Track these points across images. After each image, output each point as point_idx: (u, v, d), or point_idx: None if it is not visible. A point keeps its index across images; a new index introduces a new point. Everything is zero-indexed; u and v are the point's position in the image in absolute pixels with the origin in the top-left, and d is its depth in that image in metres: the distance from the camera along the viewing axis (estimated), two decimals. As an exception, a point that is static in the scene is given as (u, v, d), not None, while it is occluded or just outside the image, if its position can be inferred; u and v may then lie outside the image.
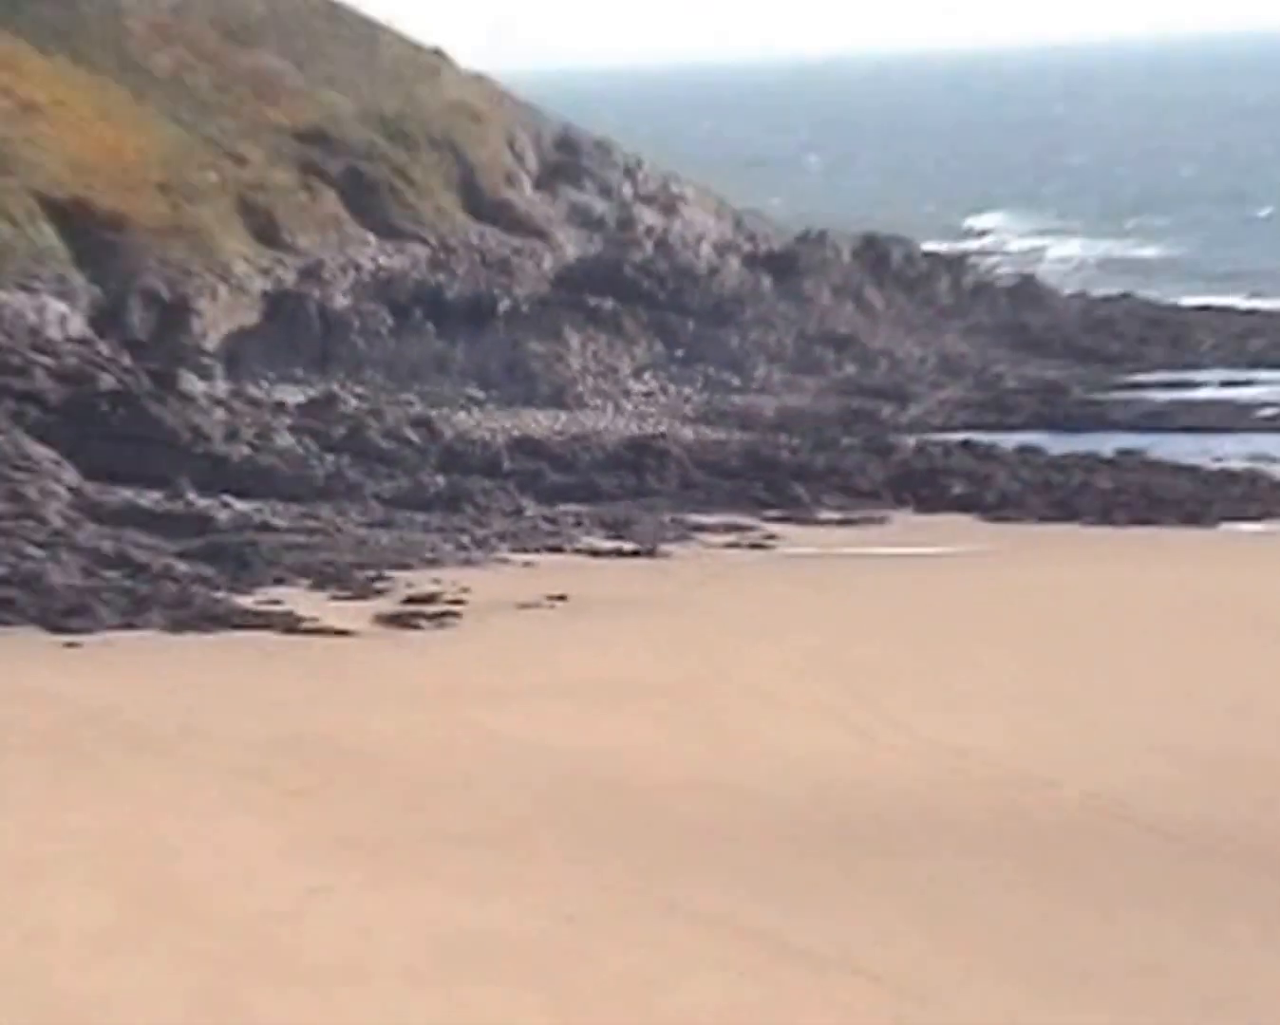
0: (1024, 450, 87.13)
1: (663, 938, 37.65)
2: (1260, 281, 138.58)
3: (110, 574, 67.73)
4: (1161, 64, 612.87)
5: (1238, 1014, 35.29)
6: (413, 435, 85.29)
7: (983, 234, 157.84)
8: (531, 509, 76.98)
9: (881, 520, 77.39)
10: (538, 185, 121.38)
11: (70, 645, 61.52)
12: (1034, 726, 51.85)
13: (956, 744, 49.88)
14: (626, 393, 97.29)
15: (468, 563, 70.33)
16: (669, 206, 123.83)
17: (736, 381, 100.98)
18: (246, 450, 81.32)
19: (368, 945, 37.59)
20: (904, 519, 78.02)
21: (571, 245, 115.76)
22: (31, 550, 69.09)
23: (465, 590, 66.19)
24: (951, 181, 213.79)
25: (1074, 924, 38.83)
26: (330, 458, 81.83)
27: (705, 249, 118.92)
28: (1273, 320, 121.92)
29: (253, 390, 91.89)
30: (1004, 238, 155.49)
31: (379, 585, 67.29)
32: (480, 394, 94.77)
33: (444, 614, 63.90)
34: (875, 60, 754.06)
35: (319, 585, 67.39)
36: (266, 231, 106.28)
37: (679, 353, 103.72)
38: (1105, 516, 76.82)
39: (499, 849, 42.67)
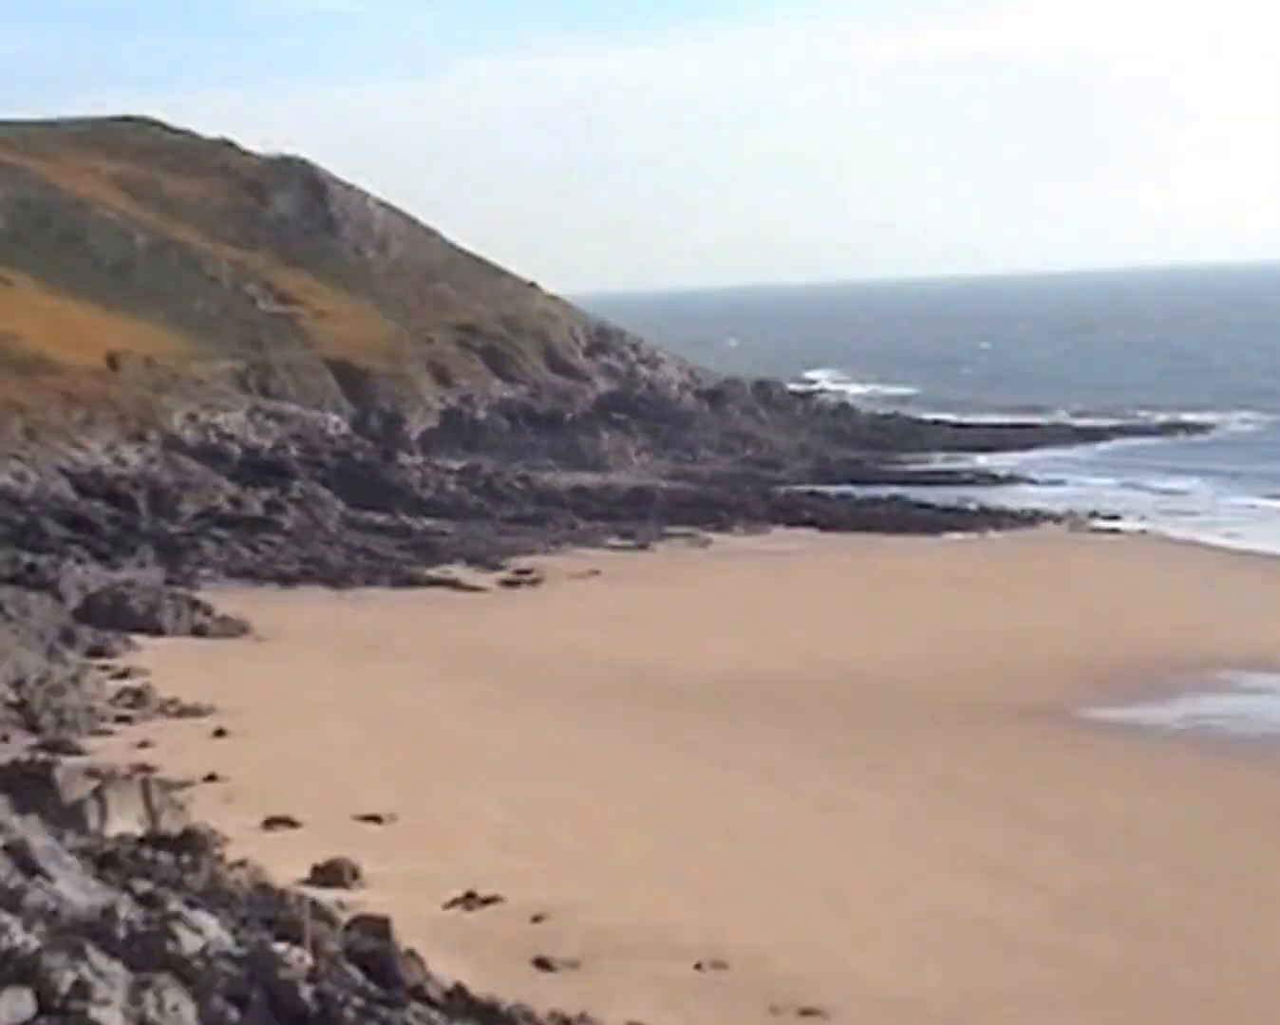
0: (841, 495, 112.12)
1: (668, 759, 51.12)
2: (964, 409, 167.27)
3: (360, 557, 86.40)
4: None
5: (989, 801, 47.28)
6: (518, 485, 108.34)
7: (813, 380, 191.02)
8: (580, 524, 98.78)
9: (765, 532, 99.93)
10: (585, 353, 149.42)
11: (339, 596, 79.68)
12: (848, 639, 68.46)
13: (805, 648, 66.71)
14: (631, 464, 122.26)
15: (546, 553, 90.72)
16: (654, 364, 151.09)
17: (689, 458, 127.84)
18: (430, 493, 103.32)
19: (495, 751, 51.67)
20: (778, 532, 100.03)
21: (602, 385, 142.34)
22: (320, 545, 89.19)
23: (540, 569, 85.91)
24: (798, 351, 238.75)
25: (878, 748, 52.48)
26: (475, 497, 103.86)
27: (673, 388, 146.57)
28: (968, 429, 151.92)
29: (435, 461, 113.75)
30: (826, 382, 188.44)
31: (500, 564, 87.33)
32: (554, 464, 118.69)
33: (535, 580, 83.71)
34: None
35: (469, 564, 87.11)
36: (442, 377, 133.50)
37: (659, 443, 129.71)
38: (884, 530, 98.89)
39: (575, 704, 57.85)
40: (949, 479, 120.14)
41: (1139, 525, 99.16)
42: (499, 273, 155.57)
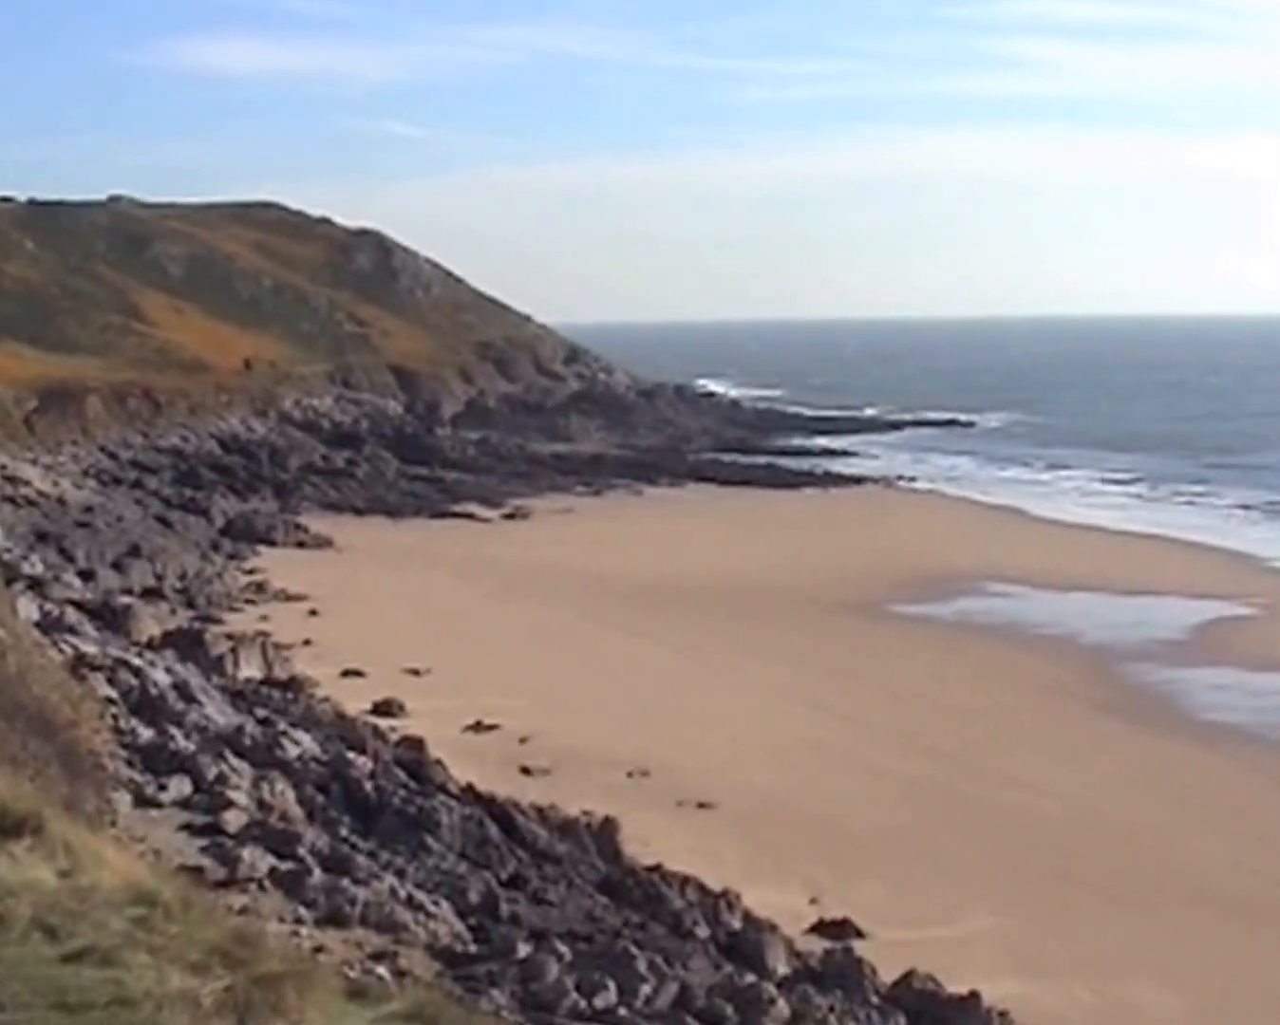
0: (731, 461, 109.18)
1: (616, 636, 51.50)
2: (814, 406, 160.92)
3: (408, 497, 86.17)
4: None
5: (828, 662, 48.38)
6: (515, 451, 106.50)
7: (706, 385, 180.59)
8: (557, 478, 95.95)
9: (682, 486, 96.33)
10: (562, 363, 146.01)
11: (395, 523, 79.21)
12: (735, 557, 67.98)
13: (707, 563, 66.24)
14: (590, 438, 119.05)
15: (533, 497, 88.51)
16: (609, 372, 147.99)
17: (630, 435, 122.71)
18: (456, 455, 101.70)
19: (503, 628, 51.87)
20: (690, 485, 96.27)
21: (573, 385, 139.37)
22: (381, 488, 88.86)
23: (529, 508, 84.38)
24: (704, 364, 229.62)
25: (755, 629, 52.72)
26: (485, 458, 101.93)
27: (621, 388, 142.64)
28: (827, 420, 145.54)
29: (460, 434, 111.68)
30: (717, 386, 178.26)
31: (502, 504, 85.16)
32: (539, 437, 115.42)
33: (525, 515, 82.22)
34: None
35: (481, 503, 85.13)
36: (466, 378, 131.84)
37: (610, 424, 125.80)
38: (762, 485, 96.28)
39: (553, 597, 57.83)
40: (804, 452, 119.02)
41: (928, 486, 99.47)
42: (505, 308, 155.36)
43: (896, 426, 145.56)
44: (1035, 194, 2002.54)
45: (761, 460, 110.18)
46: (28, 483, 74.35)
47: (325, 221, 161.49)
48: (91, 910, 9.72)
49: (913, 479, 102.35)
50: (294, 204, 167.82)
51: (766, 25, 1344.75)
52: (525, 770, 35.33)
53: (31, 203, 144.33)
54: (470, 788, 31.08)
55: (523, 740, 37.49)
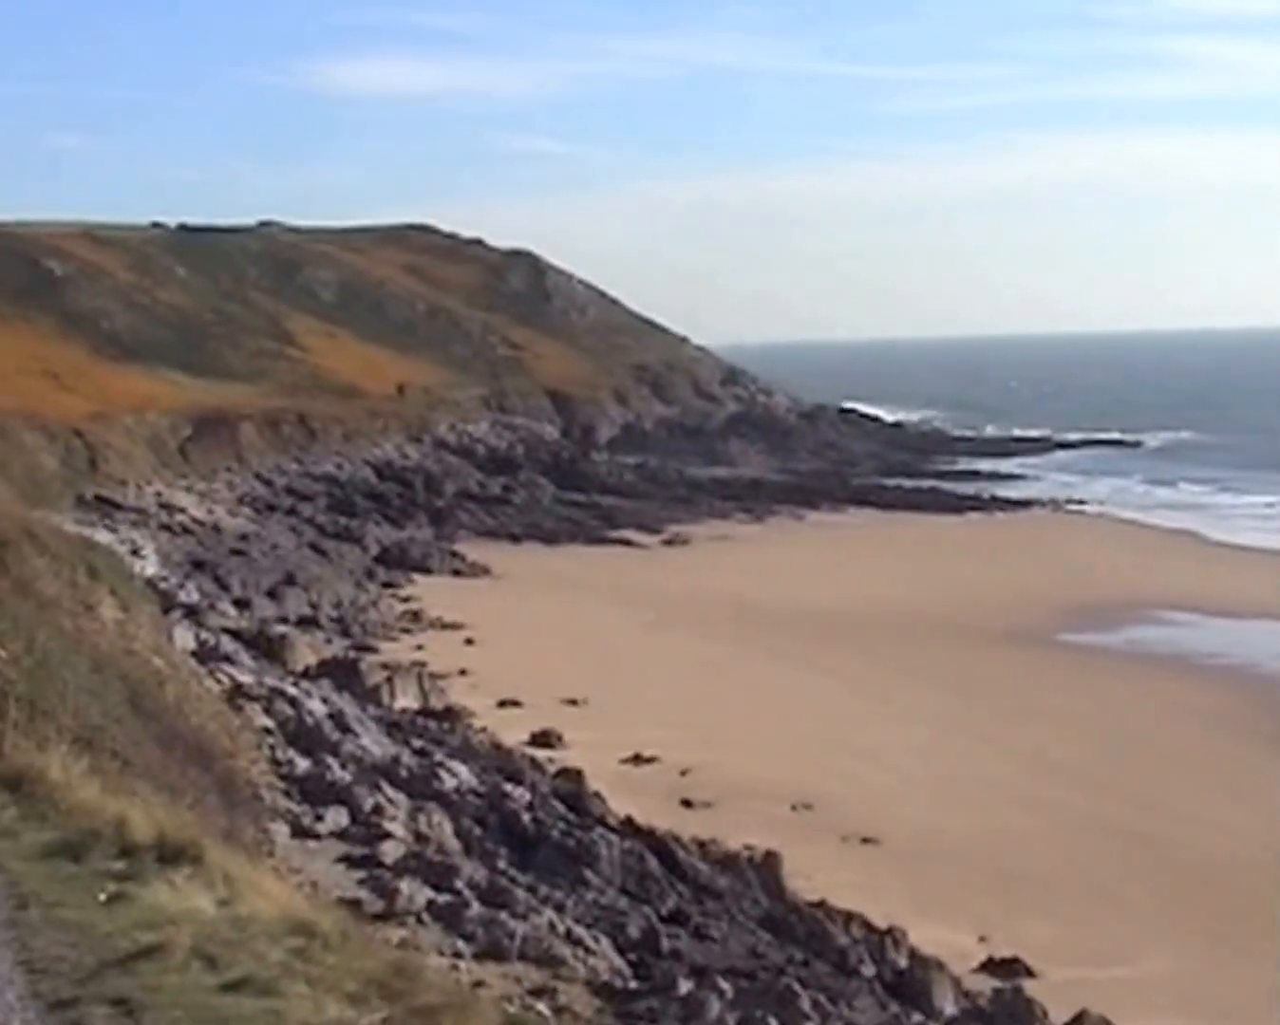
0: (896, 485, 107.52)
1: (773, 665, 51.39)
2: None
3: (564, 523, 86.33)
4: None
5: (991, 694, 48.05)
6: (673, 475, 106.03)
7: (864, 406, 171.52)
8: (715, 503, 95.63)
9: (844, 511, 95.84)
10: (720, 385, 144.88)
11: (552, 550, 79.15)
12: (898, 583, 67.50)
13: (869, 590, 65.65)
14: (750, 462, 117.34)
15: (692, 523, 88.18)
16: (768, 394, 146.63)
17: (790, 458, 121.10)
18: (613, 480, 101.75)
19: (661, 658, 51.98)
20: (851, 510, 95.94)
21: (731, 407, 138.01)
22: (538, 514, 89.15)
23: (687, 534, 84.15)
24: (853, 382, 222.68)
25: (915, 658, 52.28)
26: (643, 483, 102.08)
27: (780, 410, 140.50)
28: (991, 442, 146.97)
29: (616, 458, 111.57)
30: (876, 408, 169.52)
31: (660, 530, 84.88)
32: (697, 461, 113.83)
33: (683, 541, 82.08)
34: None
35: (638, 529, 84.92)
36: (622, 401, 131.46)
37: (770, 447, 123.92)
38: (928, 510, 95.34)
39: (710, 626, 57.84)
40: (969, 474, 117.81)
41: (1096, 509, 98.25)
42: (660, 329, 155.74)
43: (1062, 447, 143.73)
44: (1202, 200, 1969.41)
45: (925, 484, 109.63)
46: (183, 510, 75.57)
47: (478, 243, 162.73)
48: (250, 940, 9.92)
49: (1081, 502, 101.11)
50: (443, 222, 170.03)
51: (922, 31, 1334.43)
52: (686, 803, 35.37)
53: (183, 228, 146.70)
54: (630, 821, 31.16)
55: (683, 772, 37.56)
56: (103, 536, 57.31)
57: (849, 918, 27.47)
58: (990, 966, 26.98)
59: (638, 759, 38.54)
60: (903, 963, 26.32)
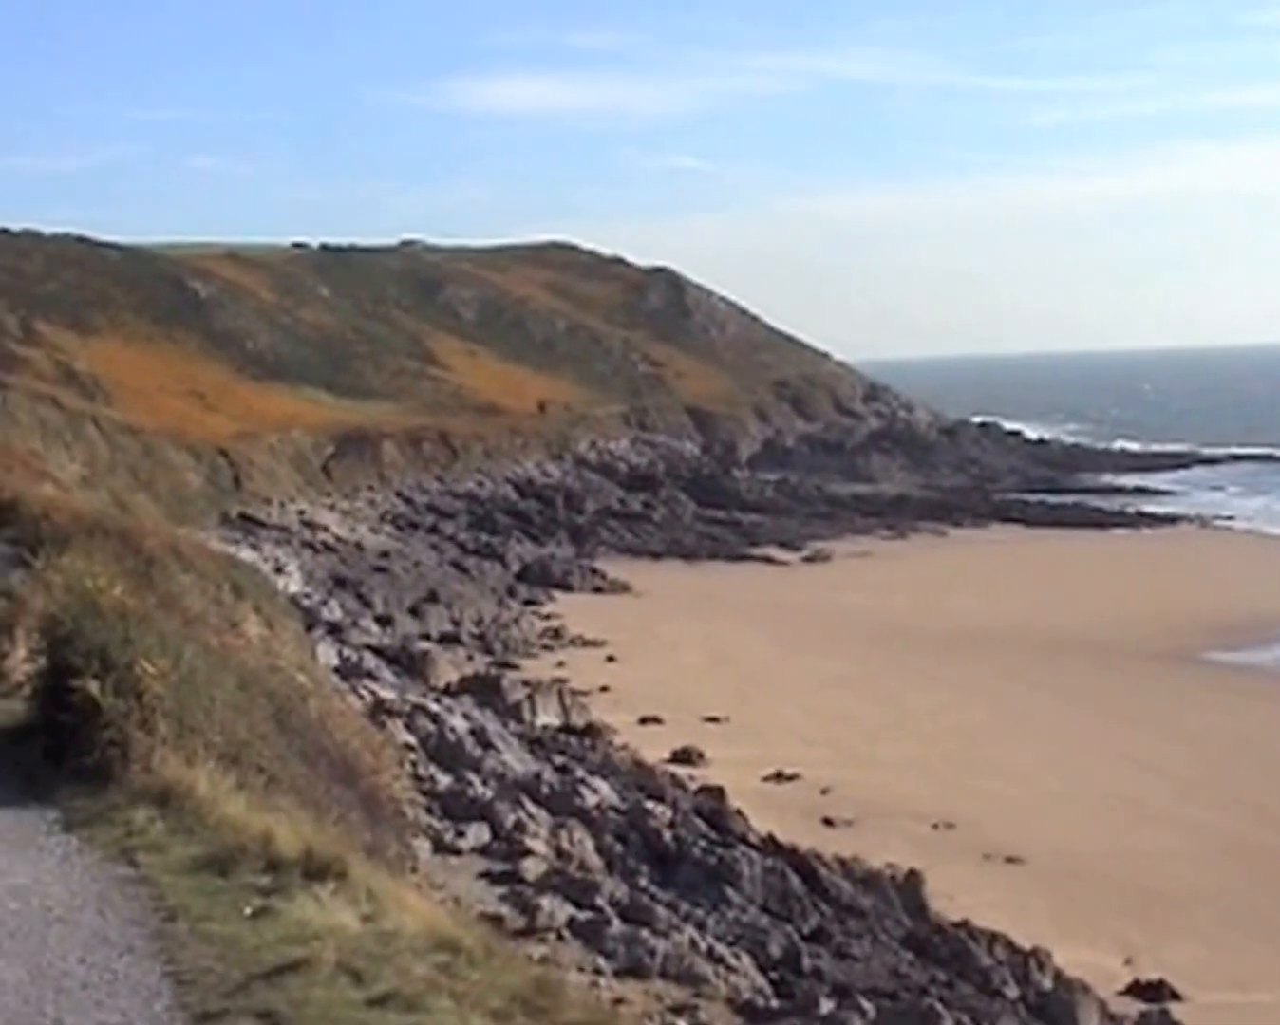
0: (1039, 501, 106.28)
1: (915, 682, 51.11)
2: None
3: (705, 541, 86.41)
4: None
5: (1135, 714, 47.54)
6: (814, 492, 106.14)
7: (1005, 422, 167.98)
8: (857, 520, 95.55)
9: (986, 527, 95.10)
10: (861, 401, 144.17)
11: (693, 567, 79.00)
12: (1041, 601, 66.89)
13: (1011, 608, 65.43)
14: (892, 478, 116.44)
15: (833, 539, 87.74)
16: (909, 409, 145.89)
17: (933, 474, 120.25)
18: (754, 497, 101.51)
19: (802, 675, 51.59)
20: (994, 527, 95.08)
21: (873, 423, 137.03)
22: (678, 531, 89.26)
23: (828, 550, 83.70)
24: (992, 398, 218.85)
25: (1056, 676, 52.08)
26: (784, 500, 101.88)
27: (922, 426, 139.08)
28: (1135, 457, 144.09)
29: (757, 475, 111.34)
30: (1018, 423, 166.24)
31: (801, 546, 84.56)
32: (838, 477, 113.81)
33: (824, 558, 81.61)
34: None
35: (779, 546, 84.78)
36: (763, 417, 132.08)
37: (912, 463, 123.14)
38: (1072, 526, 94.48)
39: (852, 644, 57.72)
40: (1113, 490, 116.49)
41: (1245, 525, 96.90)
42: (802, 345, 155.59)
43: (1209, 462, 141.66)
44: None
45: (1069, 500, 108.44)
46: (326, 528, 76.35)
47: (618, 261, 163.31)
48: (395, 955, 10.00)
49: (1229, 517, 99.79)
50: (582, 240, 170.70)
51: (1061, 43, 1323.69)
52: (827, 821, 35.25)
53: (324, 248, 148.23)
54: (771, 838, 31.07)
55: (824, 790, 37.44)
56: (247, 554, 57.99)
57: (992, 938, 27.26)
58: (1136, 989, 26.65)
59: (779, 777, 38.44)
60: (1047, 984, 26.09)
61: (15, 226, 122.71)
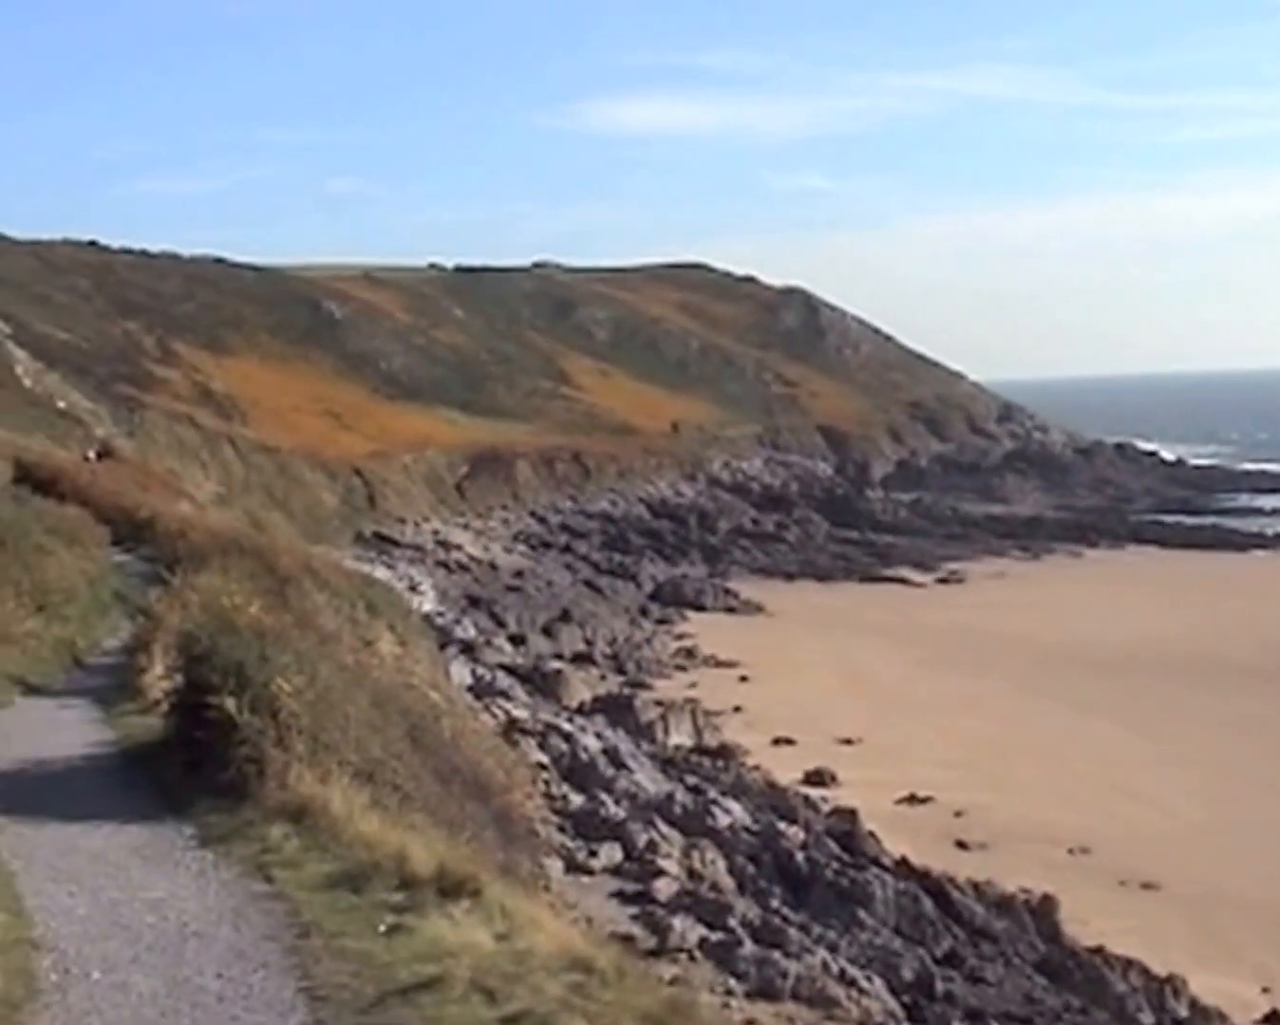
0: (1176, 522, 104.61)
1: (1049, 705, 50.73)
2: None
3: (838, 561, 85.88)
4: None
5: (1270, 737, 47.06)
6: (948, 512, 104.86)
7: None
8: (991, 540, 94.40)
9: (1122, 548, 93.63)
10: (995, 422, 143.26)
11: (826, 588, 78.72)
12: (1175, 621, 65.85)
13: (1144, 628, 64.26)
14: (1026, 498, 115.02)
15: (967, 560, 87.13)
16: (1044, 430, 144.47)
17: (1068, 495, 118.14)
18: (888, 517, 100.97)
19: (936, 697, 51.44)
20: (1130, 548, 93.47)
21: (1007, 444, 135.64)
22: (812, 552, 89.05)
23: (963, 571, 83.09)
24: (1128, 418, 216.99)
25: (1190, 698, 51.36)
26: (918, 521, 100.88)
27: (1057, 447, 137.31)
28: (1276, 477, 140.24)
29: (891, 495, 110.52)
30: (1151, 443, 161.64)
31: (935, 567, 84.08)
32: (973, 497, 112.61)
33: (959, 579, 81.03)
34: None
35: (913, 567, 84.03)
36: (896, 437, 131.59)
37: (1047, 484, 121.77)
38: (1210, 547, 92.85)
39: (985, 665, 57.16)
40: (1253, 511, 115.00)
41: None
42: (934, 365, 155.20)
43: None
44: None
45: (1206, 521, 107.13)
46: (460, 547, 76.83)
47: (750, 280, 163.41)
48: (528, 974, 10.00)
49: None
50: (715, 260, 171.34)
51: (1197, 59, 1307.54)
52: (961, 844, 35.10)
53: (458, 269, 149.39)
54: (904, 861, 30.97)
55: (957, 813, 37.29)
56: (381, 573, 58.48)
57: (1127, 964, 27.00)
58: (1273, 1019, 26.28)
59: (912, 799, 38.32)
60: (1183, 1012, 25.85)
61: (154, 248, 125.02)
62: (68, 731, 18.00)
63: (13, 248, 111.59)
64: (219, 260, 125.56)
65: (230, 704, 14.19)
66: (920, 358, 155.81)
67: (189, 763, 14.68)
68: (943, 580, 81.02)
